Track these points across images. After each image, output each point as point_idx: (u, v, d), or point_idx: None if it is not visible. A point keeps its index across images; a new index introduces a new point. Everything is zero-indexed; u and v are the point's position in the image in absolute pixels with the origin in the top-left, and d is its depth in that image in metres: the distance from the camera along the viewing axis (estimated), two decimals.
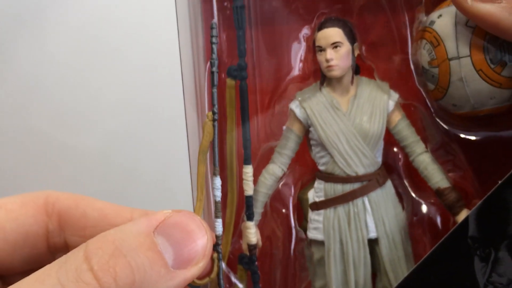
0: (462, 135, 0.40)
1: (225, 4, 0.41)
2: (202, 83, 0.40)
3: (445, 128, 0.40)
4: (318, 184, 0.41)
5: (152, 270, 0.24)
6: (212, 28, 0.28)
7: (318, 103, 0.40)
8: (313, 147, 0.42)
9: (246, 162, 0.40)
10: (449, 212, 0.40)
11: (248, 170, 0.40)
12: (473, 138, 0.40)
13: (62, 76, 0.61)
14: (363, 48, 0.41)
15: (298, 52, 0.41)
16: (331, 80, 0.40)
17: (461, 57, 0.37)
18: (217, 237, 0.28)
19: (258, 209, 0.42)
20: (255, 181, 0.41)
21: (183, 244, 0.25)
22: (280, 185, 0.43)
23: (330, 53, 0.39)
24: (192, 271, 0.25)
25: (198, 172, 0.29)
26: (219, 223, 0.28)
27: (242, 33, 0.39)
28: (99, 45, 0.59)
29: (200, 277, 0.28)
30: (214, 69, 0.28)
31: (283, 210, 0.44)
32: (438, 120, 0.40)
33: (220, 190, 0.28)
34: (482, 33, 0.36)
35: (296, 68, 0.42)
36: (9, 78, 0.62)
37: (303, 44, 0.41)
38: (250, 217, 0.40)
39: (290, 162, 0.42)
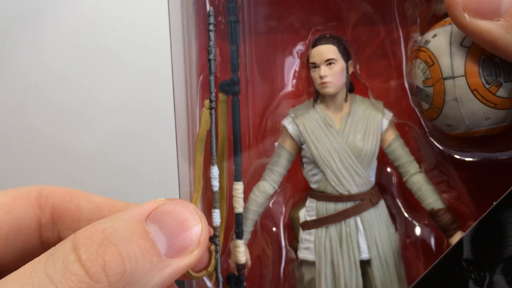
0: (456, 156, 0.39)
1: (219, 18, 0.41)
2: (193, 88, 0.40)
3: (439, 148, 0.40)
4: (310, 203, 0.40)
5: (144, 259, 0.23)
6: (209, 15, 0.27)
7: (311, 120, 0.40)
8: (305, 165, 0.41)
9: (237, 178, 0.39)
10: (443, 234, 0.39)
11: (239, 187, 0.39)
12: (468, 159, 0.39)
13: (62, 77, 0.61)
14: (358, 66, 0.41)
15: (291, 68, 0.41)
16: (324, 97, 0.40)
17: (456, 77, 0.36)
18: (214, 228, 0.27)
19: (248, 228, 0.41)
20: (246, 199, 0.40)
21: (176, 232, 0.24)
22: (271, 204, 0.43)
23: (324, 70, 0.38)
24: (186, 260, 0.24)
25: (195, 161, 0.28)
26: (216, 214, 0.27)
27: (236, 47, 0.39)
28: (99, 46, 0.59)
29: (197, 270, 0.27)
30: (211, 56, 0.27)
31: (274, 229, 0.42)
32: (432, 140, 0.40)
33: (217, 180, 0.27)
34: (477, 53, 0.36)
35: (290, 84, 0.41)
36: (9, 78, 0.62)
37: (297, 60, 0.41)
38: (239, 235, 0.39)
39: (281, 180, 0.41)
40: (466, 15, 0.32)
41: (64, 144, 0.62)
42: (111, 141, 0.61)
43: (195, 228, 0.24)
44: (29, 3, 0.60)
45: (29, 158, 0.63)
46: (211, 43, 0.27)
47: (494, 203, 0.34)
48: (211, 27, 0.27)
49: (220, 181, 0.40)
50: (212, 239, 0.27)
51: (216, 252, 0.27)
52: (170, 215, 0.24)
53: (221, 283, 0.27)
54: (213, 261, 0.27)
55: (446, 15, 0.39)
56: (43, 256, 0.22)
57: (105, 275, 0.21)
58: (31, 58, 0.61)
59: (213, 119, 0.26)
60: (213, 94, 0.26)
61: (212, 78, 0.27)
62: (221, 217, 0.40)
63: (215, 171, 0.27)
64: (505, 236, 0.35)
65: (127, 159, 0.61)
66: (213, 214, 0.27)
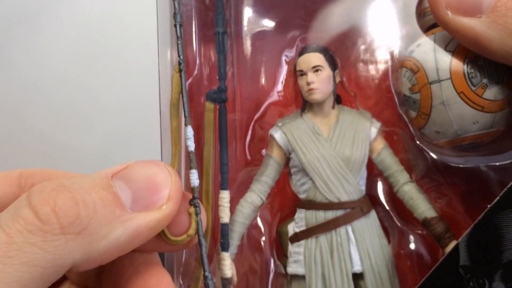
0: (447, 162, 0.39)
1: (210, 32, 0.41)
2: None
3: (429, 155, 0.39)
4: (299, 214, 0.39)
5: (105, 209, 0.21)
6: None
7: (299, 128, 0.39)
8: (293, 176, 0.40)
9: (223, 187, 0.38)
10: (438, 243, 0.37)
11: (225, 196, 0.38)
12: (459, 163, 0.38)
13: (62, 76, 0.61)
14: (344, 78, 0.41)
15: (279, 75, 0.41)
16: (312, 106, 0.40)
17: (442, 80, 0.37)
18: (193, 189, 0.25)
19: (234, 241, 0.39)
20: (232, 210, 0.39)
21: (142, 186, 0.23)
22: (258, 218, 0.41)
23: (311, 77, 0.38)
24: (154, 215, 0.23)
25: (171, 126, 0.27)
26: (194, 174, 0.26)
27: (223, 57, 0.39)
28: (99, 46, 0.59)
29: (176, 234, 0.25)
30: (177, 22, 0.27)
31: (262, 244, 0.41)
32: (422, 146, 0.39)
33: (192, 140, 0.26)
34: (461, 56, 0.36)
35: (278, 88, 0.41)
36: (9, 79, 0.62)
37: (285, 67, 0.41)
38: (224, 247, 0.37)
39: (269, 191, 0.40)
40: (449, 12, 0.33)
41: (64, 144, 0.60)
42: (111, 141, 0.60)
43: (164, 183, 0.23)
44: (29, 3, 0.61)
45: (29, 158, 0.62)
46: (176, 10, 0.27)
47: (489, 206, 0.33)
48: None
49: (206, 190, 0.39)
50: (191, 201, 0.25)
51: (196, 214, 0.25)
52: (137, 171, 0.24)
53: (203, 247, 0.25)
54: (193, 224, 0.25)
55: (430, 27, 0.40)
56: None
57: (54, 216, 0.20)
58: (31, 58, 0.61)
59: (184, 81, 0.26)
60: (182, 57, 0.26)
61: (180, 42, 0.27)
62: (206, 227, 0.38)
63: (189, 131, 0.26)
64: (502, 239, 0.33)
65: (127, 159, 0.59)
66: (190, 175, 0.26)
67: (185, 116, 0.26)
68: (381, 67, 0.41)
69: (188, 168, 0.26)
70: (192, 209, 0.25)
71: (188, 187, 0.26)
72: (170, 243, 0.25)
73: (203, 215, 0.26)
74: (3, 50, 0.62)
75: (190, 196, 0.25)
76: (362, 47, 0.41)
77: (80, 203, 0.21)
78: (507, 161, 0.38)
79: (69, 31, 0.61)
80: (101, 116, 0.60)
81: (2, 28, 0.62)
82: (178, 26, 0.27)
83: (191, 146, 0.26)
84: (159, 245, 0.25)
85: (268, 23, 0.41)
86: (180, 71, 0.26)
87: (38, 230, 0.20)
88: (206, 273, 0.25)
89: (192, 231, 0.25)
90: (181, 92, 0.26)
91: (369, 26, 0.41)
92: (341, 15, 0.41)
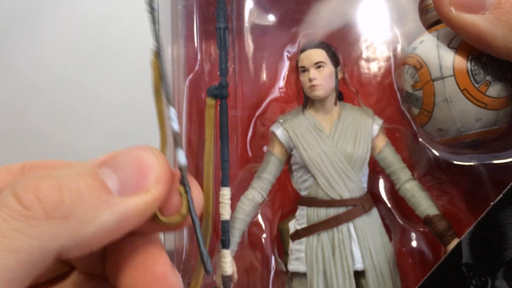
0: (449, 159, 0.39)
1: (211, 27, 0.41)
2: (181, 88, 0.39)
3: (432, 152, 0.39)
4: (300, 211, 0.39)
5: (90, 194, 0.22)
6: None
7: (301, 125, 0.39)
8: (295, 173, 0.39)
9: (224, 183, 0.38)
10: (440, 241, 0.37)
11: (225, 192, 0.37)
12: (461, 161, 0.38)
13: (62, 76, 0.61)
14: (346, 75, 0.41)
15: (281, 71, 0.41)
16: (314, 102, 0.39)
17: (445, 77, 0.36)
18: (180, 169, 0.25)
19: (235, 238, 0.38)
20: (233, 207, 0.38)
21: (130, 172, 0.23)
22: (259, 215, 0.41)
23: (313, 73, 0.38)
24: (142, 199, 0.23)
25: (157, 112, 0.27)
26: (181, 154, 0.25)
27: (225, 53, 0.39)
28: (99, 46, 0.59)
29: (167, 214, 0.25)
30: (154, 6, 0.27)
31: (263, 241, 0.40)
32: (424, 143, 0.39)
33: (176, 121, 0.25)
34: (465, 53, 0.36)
35: (280, 84, 0.41)
36: (9, 79, 0.62)
37: (286, 63, 0.41)
38: (225, 245, 0.37)
39: (270, 188, 0.39)
40: (452, 8, 0.33)
41: (64, 144, 0.60)
42: (111, 141, 0.59)
43: (151, 166, 0.23)
44: (29, 3, 0.61)
45: (29, 158, 0.61)
46: None
47: (492, 203, 0.33)
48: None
49: (206, 187, 0.39)
50: (181, 181, 0.25)
51: (186, 192, 0.25)
52: (124, 157, 0.24)
53: (197, 225, 0.25)
54: (184, 202, 0.25)
55: (433, 24, 0.39)
56: None
57: (37, 201, 0.20)
58: (31, 58, 0.61)
59: (162, 64, 0.25)
60: (158, 43, 0.26)
61: (156, 27, 0.26)
62: (206, 225, 0.38)
63: (172, 112, 0.25)
64: (504, 237, 0.33)
65: None
66: (177, 155, 0.25)
67: (166, 98, 0.26)
68: (384, 64, 0.41)
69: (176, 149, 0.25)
70: (182, 188, 0.25)
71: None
72: (162, 225, 0.24)
73: (197, 193, 0.25)
74: (3, 50, 0.62)
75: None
76: (365, 44, 0.41)
77: (64, 188, 0.21)
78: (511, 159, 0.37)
79: (69, 31, 0.61)
80: (101, 116, 0.60)
81: (2, 28, 0.62)
82: (155, 11, 0.26)
83: (175, 126, 0.25)
84: (156, 226, 0.25)
85: (270, 19, 0.41)
86: (158, 55, 0.26)
87: (21, 217, 0.20)
88: (202, 250, 0.25)
89: (184, 210, 0.24)
90: (161, 76, 0.26)
91: (370, 23, 0.41)
92: (340, 11, 0.40)
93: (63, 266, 0.28)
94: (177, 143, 0.25)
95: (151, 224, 0.24)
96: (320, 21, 0.40)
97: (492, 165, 0.38)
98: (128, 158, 0.23)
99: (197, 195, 0.25)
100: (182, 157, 0.25)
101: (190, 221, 0.25)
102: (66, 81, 0.61)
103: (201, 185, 0.39)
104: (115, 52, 0.60)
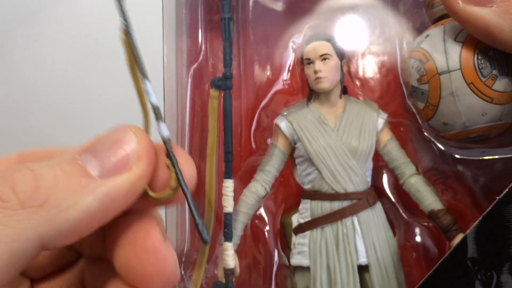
0: (454, 154, 0.38)
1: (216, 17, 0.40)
2: (184, 82, 0.38)
3: (436, 146, 0.39)
4: (304, 205, 0.38)
5: (68, 180, 0.21)
6: None
7: (305, 117, 0.38)
8: (298, 166, 0.39)
9: (227, 176, 0.37)
10: (444, 235, 0.37)
11: (228, 184, 0.37)
12: (466, 155, 0.38)
13: (62, 76, 0.60)
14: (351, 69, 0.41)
15: (286, 63, 0.40)
16: (318, 95, 0.39)
17: (452, 71, 0.36)
18: (165, 142, 0.24)
19: (237, 231, 0.38)
20: (236, 199, 0.38)
21: (108, 153, 0.23)
22: (262, 209, 0.40)
23: (318, 65, 0.38)
24: (125, 177, 0.22)
25: (136, 89, 0.26)
26: (163, 126, 0.24)
27: (229, 43, 0.38)
28: (98, 46, 0.59)
29: (158, 189, 0.24)
30: None
31: (265, 235, 0.40)
32: (429, 137, 0.39)
33: (154, 95, 0.25)
34: (471, 47, 0.36)
35: (284, 76, 0.40)
36: (9, 79, 0.61)
37: (292, 54, 0.40)
38: (228, 237, 0.37)
39: (273, 181, 0.39)
40: (459, 1, 0.33)
41: (64, 144, 0.60)
42: None
43: (130, 144, 0.23)
44: (29, 3, 0.60)
45: None
46: None
47: (497, 198, 0.33)
48: None
49: (209, 179, 0.38)
50: (167, 154, 0.24)
51: (173, 165, 0.24)
52: (103, 140, 0.23)
53: (188, 195, 0.24)
54: (173, 175, 0.24)
55: (439, 19, 0.39)
56: None
57: (12, 192, 0.20)
58: (31, 58, 0.60)
59: (132, 41, 0.25)
60: (125, 19, 0.25)
61: (122, 3, 0.26)
62: (209, 217, 0.37)
63: (148, 85, 0.25)
64: (510, 232, 0.33)
65: None
66: (160, 129, 0.24)
67: (141, 73, 0.25)
68: (389, 58, 0.41)
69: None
70: (168, 162, 0.24)
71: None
72: (154, 200, 0.24)
73: (186, 164, 0.25)
74: (3, 50, 0.62)
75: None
76: (370, 37, 0.40)
77: (39, 177, 0.21)
78: None
79: (69, 31, 0.60)
80: (101, 116, 0.60)
81: (2, 28, 0.61)
82: None
83: (154, 100, 0.24)
84: (149, 203, 0.24)
85: (276, 10, 0.40)
86: (127, 33, 0.25)
87: None
88: (197, 220, 0.24)
89: (174, 183, 0.24)
90: (133, 53, 0.25)
91: (377, 17, 0.40)
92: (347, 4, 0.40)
93: (71, 254, 0.27)
94: (157, 117, 0.25)
95: (143, 201, 0.24)
96: (327, 14, 0.40)
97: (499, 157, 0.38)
98: (107, 141, 0.23)
99: (186, 166, 0.25)
100: (164, 130, 0.25)
101: (183, 194, 0.24)
102: (66, 81, 0.61)
103: (204, 177, 0.38)
104: (115, 52, 0.59)
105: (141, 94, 0.26)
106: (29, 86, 0.61)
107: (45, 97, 0.60)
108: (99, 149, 0.23)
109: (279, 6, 0.41)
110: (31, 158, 0.26)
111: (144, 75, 0.25)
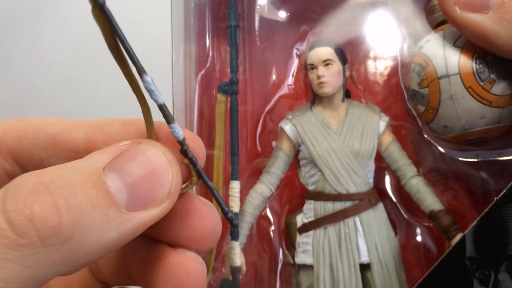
0: (454, 156, 0.39)
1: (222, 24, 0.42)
2: (192, 84, 0.40)
3: (437, 149, 0.40)
4: (307, 205, 0.40)
5: (94, 212, 0.18)
6: None
7: (309, 121, 0.40)
8: (302, 168, 0.40)
9: (234, 177, 0.39)
10: (444, 235, 0.38)
11: (235, 186, 0.38)
12: (466, 158, 0.39)
13: (62, 76, 0.61)
14: (354, 73, 0.42)
15: (290, 68, 0.42)
16: (322, 99, 0.40)
17: (451, 75, 0.37)
18: (180, 142, 0.22)
19: (244, 231, 0.39)
20: (242, 200, 0.39)
21: (140, 182, 0.20)
22: (267, 209, 0.42)
23: (321, 70, 0.39)
24: (152, 213, 0.20)
25: (126, 77, 0.22)
26: (175, 127, 0.21)
27: (235, 50, 0.40)
28: (99, 45, 0.60)
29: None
30: None
31: (271, 235, 0.41)
32: (429, 140, 0.40)
33: (157, 91, 0.21)
34: (470, 52, 0.37)
35: (289, 81, 0.42)
36: (9, 78, 0.62)
37: (296, 60, 0.42)
38: (234, 237, 0.38)
39: (278, 182, 0.40)
40: (457, 8, 0.34)
41: None
42: None
43: (165, 175, 0.20)
44: (29, 3, 0.61)
45: None
46: None
47: (495, 199, 0.34)
48: None
49: (217, 181, 0.40)
50: (183, 153, 0.22)
51: (192, 163, 0.22)
52: (133, 161, 0.20)
53: (213, 189, 0.23)
54: (193, 171, 0.22)
55: (439, 24, 0.40)
56: None
57: (32, 228, 0.18)
58: (31, 58, 0.61)
59: (111, 19, 0.21)
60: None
61: None
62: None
63: (148, 80, 0.21)
64: (508, 232, 0.34)
65: None
66: (171, 129, 0.21)
67: (134, 63, 0.21)
68: (390, 63, 0.42)
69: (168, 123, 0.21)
70: (186, 160, 0.22)
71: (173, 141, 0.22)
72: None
73: (202, 157, 0.22)
74: (3, 50, 0.62)
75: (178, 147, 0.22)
76: (372, 43, 0.42)
77: (63, 208, 0.18)
78: None
79: (69, 31, 0.61)
80: (101, 116, 0.61)
81: (2, 28, 0.62)
82: None
83: (159, 99, 0.21)
84: None
85: (280, 17, 0.42)
86: (104, 11, 0.21)
87: (15, 245, 0.17)
88: (226, 209, 0.23)
89: (194, 178, 0.22)
90: (114, 31, 0.21)
91: (378, 23, 0.41)
92: (352, 12, 0.41)
93: (98, 285, 0.27)
94: (168, 119, 0.21)
95: None
96: (330, 20, 0.41)
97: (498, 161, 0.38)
98: (139, 162, 0.20)
99: (198, 150, 0.23)
100: (178, 131, 0.22)
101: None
102: (66, 81, 0.61)
103: (211, 178, 0.40)
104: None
105: (131, 79, 0.22)
106: (29, 86, 0.61)
107: (45, 97, 0.60)
108: (128, 172, 0.20)
109: (283, 14, 0.42)
110: (8, 142, 0.24)
111: (138, 66, 0.21)
